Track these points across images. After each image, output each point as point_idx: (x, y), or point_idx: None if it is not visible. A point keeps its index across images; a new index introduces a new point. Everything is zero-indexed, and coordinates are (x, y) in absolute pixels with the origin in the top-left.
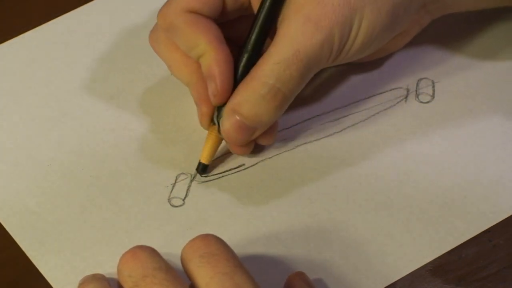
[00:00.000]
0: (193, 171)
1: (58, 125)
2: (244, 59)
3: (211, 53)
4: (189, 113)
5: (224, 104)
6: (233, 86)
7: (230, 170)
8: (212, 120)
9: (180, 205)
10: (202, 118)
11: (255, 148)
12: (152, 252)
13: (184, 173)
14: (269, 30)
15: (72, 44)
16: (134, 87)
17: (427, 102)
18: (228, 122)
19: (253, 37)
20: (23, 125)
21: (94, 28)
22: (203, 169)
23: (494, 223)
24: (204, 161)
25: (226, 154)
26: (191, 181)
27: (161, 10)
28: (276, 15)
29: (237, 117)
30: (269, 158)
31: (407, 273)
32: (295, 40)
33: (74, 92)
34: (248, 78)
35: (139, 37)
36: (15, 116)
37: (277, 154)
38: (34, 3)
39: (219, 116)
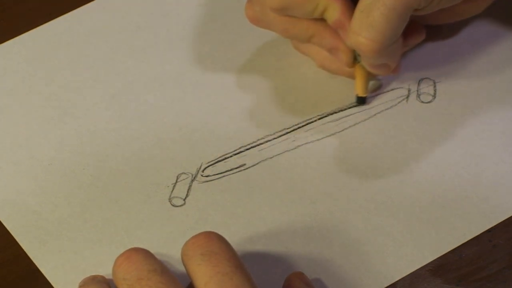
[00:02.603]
0: (194, 170)
1: (58, 124)
2: None
3: (333, 6)
4: (190, 112)
5: None
6: None
7: (231, 170)
8: (355, 59)
9: (181, 205)
10: (347, 58)
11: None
12: (146, 254)
13: (185, 173)
14: None
15: (72, 44)
16: (134, 87)
17: (429, 102)
18: (362, 61)
19: None
20: (24, 125)
21: (95, 28)
22: (362, 101)
23: (495, 223)
24: (361, 93)
25: (227, 154)
26: (192, 180)
27: None
28: None
29: None
30: (270, 158)
31: (407, 273)
32: None
33: (74, 92)
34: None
35: (139, 37)
36: (16, 115)
37: (278, 154)
38: (34, 3)
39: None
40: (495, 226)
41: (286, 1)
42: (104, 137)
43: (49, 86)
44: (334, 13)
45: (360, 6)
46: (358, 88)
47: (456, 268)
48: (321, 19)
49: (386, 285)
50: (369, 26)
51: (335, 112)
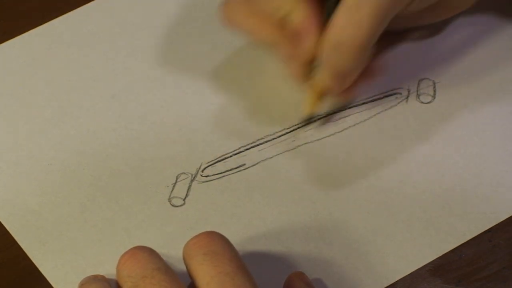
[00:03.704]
0: (194, 170)
1: (59, 124)
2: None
3: (299, 9)
4: (190, 112)
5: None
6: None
7: (231, 170)
8: (308, 74)
9: (181, 205)
10: (298, 72)
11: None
12: (151, 252)
13: (184, 173)
14: None
15: (72, 44)
16: (134, 87)
17: (428, 103)
18: (319, 74)
19: None
20: (24, 125)
21: (95, 28)
22: (309, 120)
23: (495, 223)
24: (308, 111)
25: (227, 154)
26: (192, 180)
27: None
28: None
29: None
30: (270, 158)
31: (407, 273)
32: None
33: (74, 92)
34: (328, 28)
35: (139, 37)
36: (16, 115)
37: (278, 154)
38: (34, 3)
39: (312, 69)
40: (495, 226)
41: None
42: (104, 137)
43: (49, 86)
44: (298, 16)
45: (345, 4)
46: (308, 104)
47: (456, 268)
48: (284, 28)
49: (386, 285)
50: (357, 22)
51: (334, 113)
